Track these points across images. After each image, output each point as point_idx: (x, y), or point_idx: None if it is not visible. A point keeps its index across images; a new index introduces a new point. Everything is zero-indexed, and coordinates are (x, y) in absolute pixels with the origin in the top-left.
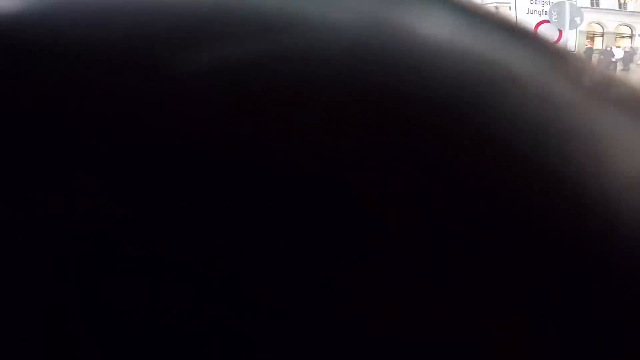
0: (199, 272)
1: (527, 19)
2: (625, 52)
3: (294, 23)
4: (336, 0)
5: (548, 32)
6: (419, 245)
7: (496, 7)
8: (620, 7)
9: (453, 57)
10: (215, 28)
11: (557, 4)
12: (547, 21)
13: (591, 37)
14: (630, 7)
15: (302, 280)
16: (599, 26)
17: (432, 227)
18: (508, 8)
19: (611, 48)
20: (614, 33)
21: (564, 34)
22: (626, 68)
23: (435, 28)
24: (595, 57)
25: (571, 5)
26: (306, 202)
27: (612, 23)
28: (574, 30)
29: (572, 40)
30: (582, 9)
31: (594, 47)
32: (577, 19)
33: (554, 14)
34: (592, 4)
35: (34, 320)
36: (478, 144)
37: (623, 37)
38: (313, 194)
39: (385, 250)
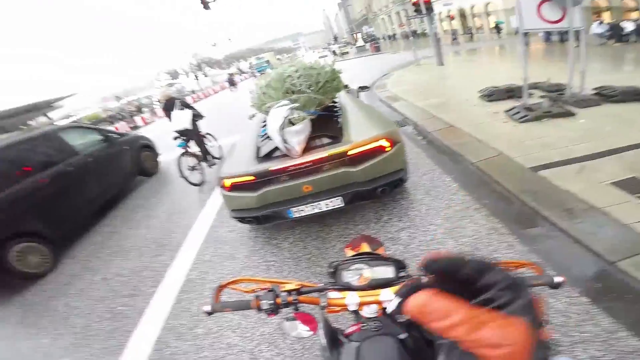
0: None
1: None
2: (637, 24)
3: None
4: None
5: (551, 9)
6: None
7: None
8: None
9: None
10: None
11: None
12: None
13: (597, 12)
14: None
15: None
16: (604, 0)
17: None
18: None
19: (620, 22)
20: (619, 7)
21: (567, 11)
22: None
23: None
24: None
25: None
26: None
27: None
28: (578, 7)
29: (577, 18)
30: None
31: (604, 21)
32: None
33: None
34: None
35: None
36: None
37: (630, 10)
38: None
39: None
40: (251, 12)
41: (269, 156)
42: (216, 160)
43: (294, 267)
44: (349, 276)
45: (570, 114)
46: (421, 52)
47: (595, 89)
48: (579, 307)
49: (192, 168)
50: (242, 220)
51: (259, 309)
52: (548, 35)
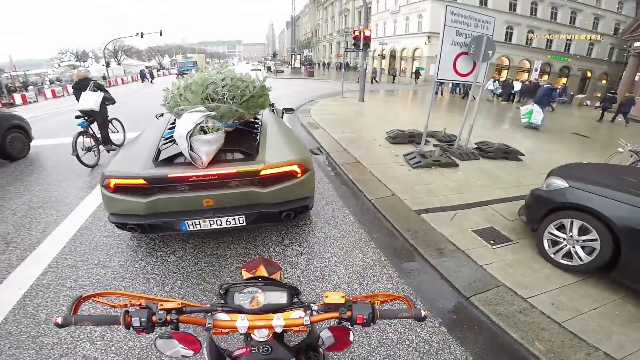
0: None
1: (450, 50)
2: (523, 85)
3: None
4: None
5: (464, 63)
6: None
7: (428, 37)
8: (526, 43)
9: None
10: None
11: (476, 37)
12: (466, 53)
13: (499, 69)
14: (534, 43)
15: None
16: (507, 59)
17: None
18: (438, 37)
19: (512, 81)
20: (516, 67)
21: (477, 65)
22: (524, 101)
23: None
24: (498, 89)
25: (488, 38)
26: None
27: (517, 57)
28: (486, 63)
29: (482, 72)
30: (496, 43)
31: (499, 79)
32: (490, 52)
33: (472, 46)
34: (505, 39)
35: None
36: None
37: (524, 71)
38: None
39: None
40: (193, 6)
41: (169, 161)
42: (116, 147)
43: (179, 283)
44: (241, 299)
45: (454, 165)
46: (347, 85)
47: (477, 143)
48: (439, 337)
49: (88, 149)
50: (122, 227)
51: (129, 325)
52: (455, 87)
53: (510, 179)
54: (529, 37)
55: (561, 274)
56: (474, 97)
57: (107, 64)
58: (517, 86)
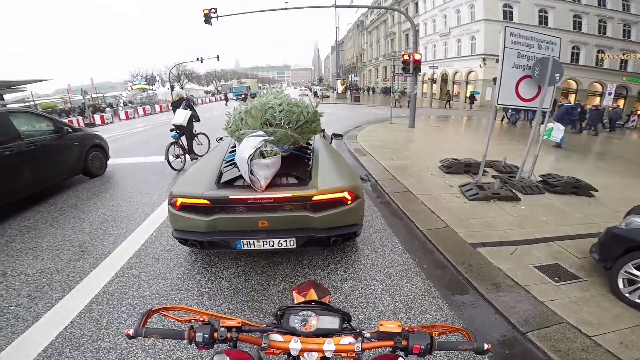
0: None
1: (511, 73)
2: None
3: None
4: None
5: (528, 87)
6: None
7: (483, 59)
8: (596, 64)
9: None
10: None
11: (541, 59)
12: (530, 76)
13: (566, 93)
14: (605, 64)
15: None
16: (574, 82)
17: None
18: (495, 61)
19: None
20: (586, 90)
21: (542, 89)
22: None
23: None
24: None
25: (554, 61)
26: None
27: (586, 80)
28: (552, 87)
29: (549, 96)
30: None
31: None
32: (557, 75)
33: (537, 69)
34: (571, 60)
35: None
36: None
37: (594, 94)
38: None
39: None
40: (244, 33)
41: (229, 183)
42: (198, 157)
43: (230, 298)
44: (296, 321)
45: (516, 199)
46: (395, 111)
47: (542, 176)
48: None
49: (177, 156)
50: (184, 242)
51: (192, 340)
52: (516, 113)
53: (579, 216)
54: (599, 58)
55: (635, 313)
56: (530, 126)
57: (172, 88)
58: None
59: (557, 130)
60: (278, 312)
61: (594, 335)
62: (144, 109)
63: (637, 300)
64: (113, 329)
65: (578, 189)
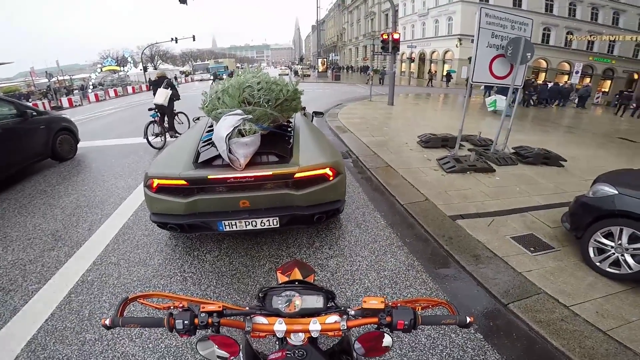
0: None
1: (485, 52)
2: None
3: None
4: None
5: (501, 66)
6: None
7: (459, 39)
8: (565, 44)
9: None
10: None
11: (513, 39)
12: (503, 55)
13: (536, 72)
14: (573, 45)
15: None
16: (545, 62)
17: None
18: (471, 41)
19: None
20: (556, 69)
21: (514, 67)
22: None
23: None
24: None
25: (526, 41)
26: None
27: (555, 60)
28: (524, 65)
29: (520, 74)
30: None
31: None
32: (528, 55)
33: (510, 49)
34: (542, 41)
35: None
36: None
37: (563, 72)
38: None
39: None
40: (222, 13)
41: (207, 163)
42: (179, 135)
43: (214, 282)
44: (279, 302)
45: (491, 170)
46: (375, 89)
47: (515, 148)
48: (474, 343)
49: (156, 135)
50: (163, 226)
51: (172, 328)
52: (488, 89)
53: (550, 186)
54: (568, 39)
55: (607, 283)
56: (511, 102)
57: (145, 69)
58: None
59: (500, 100)
60: (260, 294)
61: (572, 305)
62: (115, 90)
63: (608, 269)
64: (96, 320)
65: (548, 159)
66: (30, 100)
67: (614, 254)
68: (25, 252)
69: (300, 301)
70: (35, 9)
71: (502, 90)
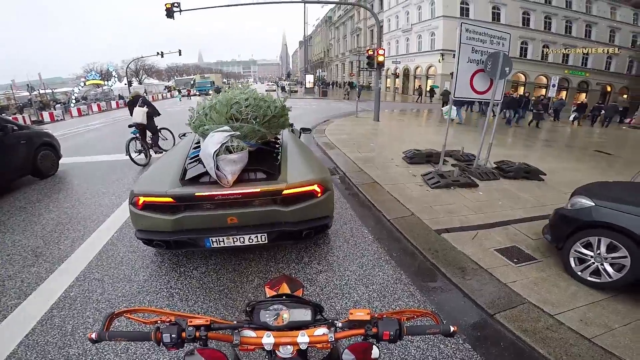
0: None
1: (466, 68)
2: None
3: None
4: None
5: (482, 81)
6: None
7: (442, 55)
8: (542, 58)
9: None
10: None
11: (492, 54)
12: (482, 70)
13: (515, 86)
14: (550, 58)
15: None
16: (523, 75)
17: None
18: (452, 56)
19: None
20: (534, 83)
21: (494, 82)
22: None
23: None
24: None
25: (504, 55)
26: None
27: (533, 74)
28: (503, 80)
29: (500, 89)
30: (512, 59)
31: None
32: (507, 69)
33: (489, 63)
34: (520, 55)
35: None
36: None
37: (540, 86)
38: None
39: None
40: (209, 28)
41: (194, 180)
42: (163, 152)
43: (202, 298)
44: (267, 316)
45: (474, 185)
46: (361, 105)
47: (496, 163)
48: (463, 353)
49: (139, 152)
50: (148, 242)
51: (160, 342)
52: (470, 105)
53: (532, 199)
54: (545, 52)
55: (589, 291)
56: (493, 115)
57: (129, 83)
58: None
59: (453, 110)
60: (247, 308)
61: (556, 314)
62: (98, 105)
63: (589, 278)
64: (80, 335)
65: (529, 173)
66: (4, 114)
67: (593, 263)
68: (4, 268)
69: (288, 314)
70: (17, 21)
71: (456, 102)
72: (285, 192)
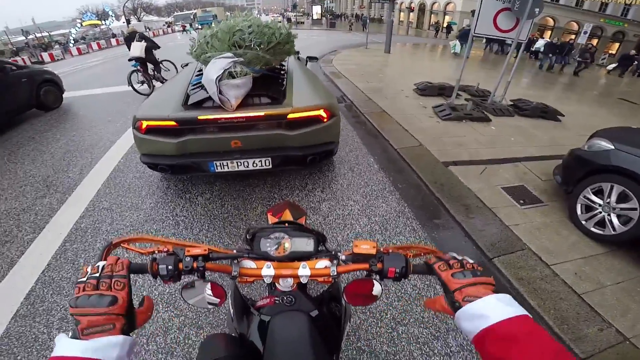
0: None
1: (491, 4)
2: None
3: None
4: None
5: (507, 19)
6: None
7: None
8: (576, 4)
9: None
10: None
11: None
12: (509, 8)
13: (542, 29)
14: (585, 5)
15: None
16: (552, 20)
17: None
18: None
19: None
20: (562, 28)
21: (520, 21)
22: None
23: None
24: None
25: None
26: None
27: (564, 19)
28: (530, 20)
29: (526, 29)
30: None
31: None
32: (537, 10)
33: (517, 2)
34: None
35: None
36: None
37: (570, 32)
38: None
39: None
40: None
41: (197, 105)
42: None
43: (206, 225)
44: (267, 245)
45: (487, 120)
46: (372, 37)
47: (513, 100)
48: None
49: (142, 82)
50: (153, 167)
51: (156, 274)
52: (489, 43)
53: (546, 138)
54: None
55: (589, 243)
56: (515, 56)
57: (128, 22)
58: (540, 43)
59: (457, 45)
60: (247, 236)
61: (553, 264)
62: (98, 43)
63: (592, 229)
64: None
65: (546, 113)
66: (11, 57)
67: (600, 212)
68: (18, 201)
69: (290, 244)
70: None
71: (462, 37)
72: (290, 116)
